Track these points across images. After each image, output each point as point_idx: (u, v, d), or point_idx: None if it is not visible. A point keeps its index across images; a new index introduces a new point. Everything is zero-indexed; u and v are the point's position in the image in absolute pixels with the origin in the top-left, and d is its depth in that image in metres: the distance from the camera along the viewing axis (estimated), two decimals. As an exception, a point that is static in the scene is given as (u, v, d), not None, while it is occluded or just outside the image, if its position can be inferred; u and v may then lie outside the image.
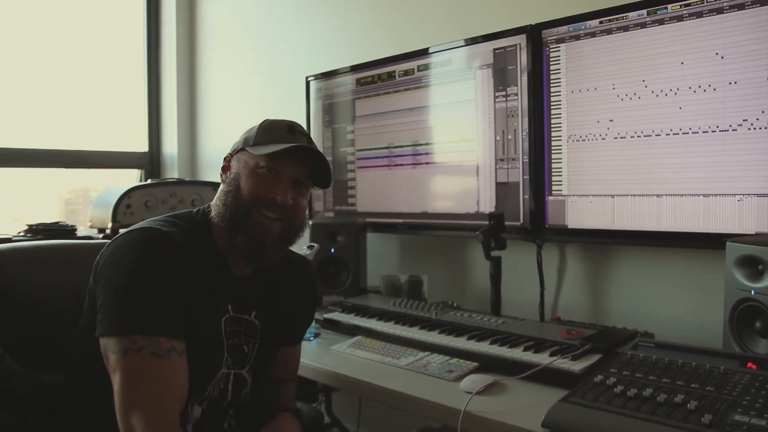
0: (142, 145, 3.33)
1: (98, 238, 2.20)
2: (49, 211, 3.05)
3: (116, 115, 3.27)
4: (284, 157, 1.21)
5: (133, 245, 1.12)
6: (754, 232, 1.43)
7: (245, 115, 3.02)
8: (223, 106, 3.19)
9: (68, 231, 2.16)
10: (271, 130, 1.25)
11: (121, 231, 1.20)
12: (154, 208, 2.34)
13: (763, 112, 1.41)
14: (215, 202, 1.25)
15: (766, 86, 1.40)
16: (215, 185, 2.59)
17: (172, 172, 3.26)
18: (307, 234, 2.16)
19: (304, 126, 2.41)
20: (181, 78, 3.29)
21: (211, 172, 3.16)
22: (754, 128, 1.42)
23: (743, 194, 1.44)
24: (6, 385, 1.21)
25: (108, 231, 2.24)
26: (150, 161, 3.31)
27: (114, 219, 2.23)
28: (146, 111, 3.34)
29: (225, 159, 1.31)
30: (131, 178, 3.31)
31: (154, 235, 1.14)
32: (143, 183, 2.44)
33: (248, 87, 3.05)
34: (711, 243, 1.48)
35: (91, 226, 2.37)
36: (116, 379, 1.04)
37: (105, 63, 3.20)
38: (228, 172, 1.27)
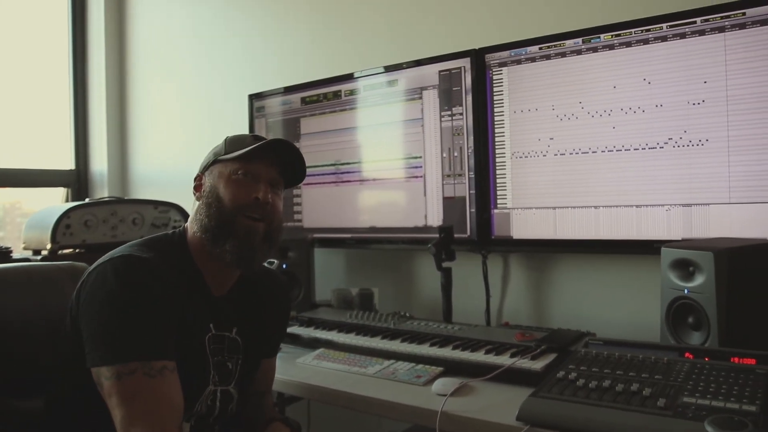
0: (66, 163, 3.20)
1: (36, 260, 2.11)
2: None
3: (39, 130, 3.13)
4: (257, 159, 1.26)
5: (113, 273, 1.12)
6: (680, 238, 1.60)
7: (182, 131, 2.97)
8: (157, 122, 3.13)
9: (4, 253, 2.06)
10: (237, 141, 1.31)
11: (96, 262, 1.18)
12: (95, 227, 2.27)
13: (685, 131, 1.59)
14: (195, 218, 1.28)
15: (687, 109, 1.59)
16: (155, 203, 2.55)
17: (102, 191, 3.15)
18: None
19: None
20: (111, 92, 3.19)
21: (146, 190, 3.09)
22: (678, 146, 1.60)
23: (671, 204, 1.62)
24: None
25: (46, 252, 2.16)
26: (77, 179, 3.19)
27: (53, 240, 2.15)
28: (72, 126, 3.21)
29: (196, 178, 1.33)
30: (42, 196, 3.15)
31: (132, 261, 1.15)
32: (81, 202, 2.36)
33: (184, 103, 3.00)
34: (644, 249, 1.65)
35: (26, 248, 2.27)
36: (113, 403, 1.05)
37: (26, 74, 3.05)
38: (201, 190, 1.30)
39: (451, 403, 1.29)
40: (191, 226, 1.29)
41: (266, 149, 1.27)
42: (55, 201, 3.12)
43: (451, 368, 1.50)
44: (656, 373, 1.23)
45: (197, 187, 1.32)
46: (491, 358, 1.47)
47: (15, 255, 2.17)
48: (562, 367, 1.31)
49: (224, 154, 1.28)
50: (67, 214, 2.21)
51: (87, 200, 2.44)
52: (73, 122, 3.22)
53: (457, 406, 1.28)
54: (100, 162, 3.18)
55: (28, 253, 2.24)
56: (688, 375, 1.21)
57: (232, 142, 1.30)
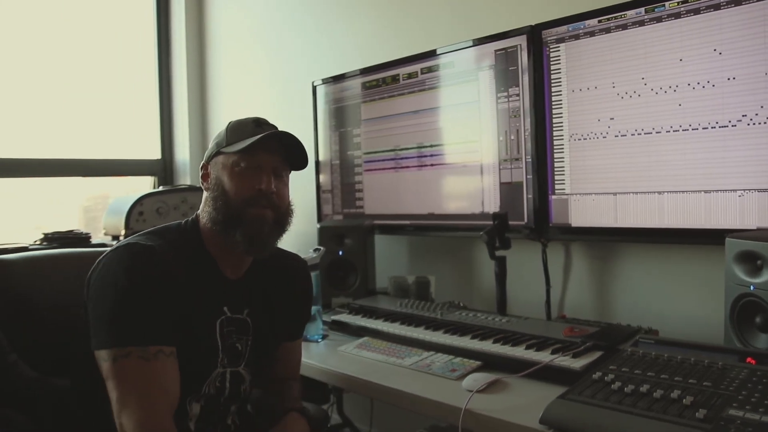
0: (155, 153, 3.39)
1: (112, 245, 2.24)
2: (69, 219, 3.10)
3: (130, 123, 3.33)
4: (258, 149, 1.25)
5: (117, 262, 1.17)
6: (755, 227, 1.43)
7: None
8: (233, 112, 3.23)
9: (83, 239, 2.21)
10: (238, 129, 1.30)
11: (107, 249, 1.24)
12: (166, 214, 2.39)
13: (762, 107, 1.41)
14: (204, 209, 1.30)
15: (765, 81, 1.40)
16: (226, 191, 2.63)
17: (185, 179, 3.31)
18: (315, 237, 2.22)
19: (311, 131, 2.48)
20: (192, 85, 3.34)
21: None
22: (754, 123, 1.42)
23: (744, 189, 1.44)
24: (19, 389, 1.25)
25: (121, 238, 2.29)
26: (163, 168, 3.37)
27: (127, 226, 2.28)
28: (158, 119, 3.40)
29: (202, 167, 1.35)
30: (146, 185, 3.37)
31: (136, 250, 1.18)
32: (154, 190, 2.49)
33: (257, 92, 3.09)
34: (713, 239, 1.48)
35: (106, 234, 2.43)
36: (109, 385, 1.10)
37: (117, 72, 3.26)
38: (208, 179, 1.31)
39: (478, 400, 1.23)
40: (202, 215, 1.31)
41: (266, 137, 1.26)
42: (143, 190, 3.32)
43: (489, 363, 1.43)
44: (706, 380, 1.10)
45: (204, 177, 1.33)
46: (530, 354, 1.39)
47: (95, 240, 2.32)
48: (602, 368, 1.21)
49: (225, 145, 1.28)
50: (140, 201, 2.33)
51: (161, 188, 2.56)
52: (159, 115, 3.39)
53: (483, 404, 1.22)
54: (182, 152, 3.34)
55: (108, 239, 2.39)
56: (743, 384, 1.07)
57: (233, 130, 1.30)
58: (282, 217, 1.29)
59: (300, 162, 1.34)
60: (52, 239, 2.16)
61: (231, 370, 1.29)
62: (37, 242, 2.19)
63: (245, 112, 3.06)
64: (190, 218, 1.34)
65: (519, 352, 1.41)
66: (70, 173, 3.02)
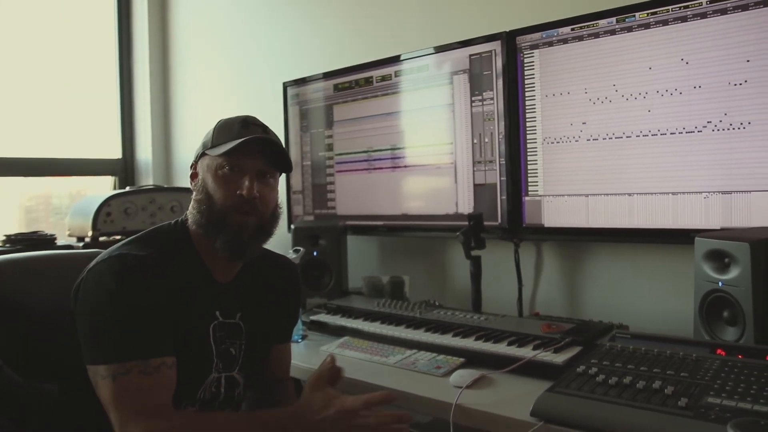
0: (114, 152, 3.31)
1: (79, 247, 2.19)
2: (8, 220, 2.91)
3: (87, 121, 3.23)
4: (242, 152, 1.22)
5: (109, 273, 1.14)
6: (719, 227, 1.52)
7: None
8: (198, 112, 3.19)
9: (48, 240, 2.15)
10: (225, 129, 1.27)
11: (95, 259, 1.20)
12: (134, 215, 2.34)
13: (725, 114, 1.50)
14: (191, 211, 1.28)
15: (728, 90, 1.49)
16: (194, 191, 2.60)
17: (147, 179, 3.24)
18: (289, 238, 2.22)
19: (282, 131, 2.48)
20: (155, 83, 3.27)
21: (188, 178, 3.14)
22: (718, 129, 1.51)
23: (709, 192, 1.53)
24: (5, 395, 1.22)
25: (88, 239, 2.24)
26: (123, 168, 3.29)
27: (94, 227, 2.22)
28: (119, 117, 3.31)
29: (191, 166, 1.33)
30: (97, 184, 3.26)
31: (127, 260, 1.15)
32: (122, 191, 2.44)
33: (224, 92, 3.06)
34: (680, 238, 1.57)
35: (70, 235, 2.36)
36: (107, 402, 1.08)
37: (75, 68, 3.15)
38: (196, 179, 1.29)
39: (466, 396, 1.27)
40: (190, 215, 1.29)
41: (249, 141, 1.23)
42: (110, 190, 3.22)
43: (472, 359, 1.47)
44: (682, 371, 1.17)
45: (192, 176, 1.31)
46: (513, 350, 1.43)
47: (60, 242, 2.26)
48: (584, 362, 1.26)
49: (211, 146, 1.25)
50: (107, 202, 2.28)
51: (127, 188, 2.51)
52: (119, 113, 3.31)
53: (472, 399, 1.25)
54: (144, 151, 3.27)
55: (73, 240, 2.33)
56: (717, 373, 1.14)
57: (220, 131, 1.27)
58: (266, 222, 1.27)
59: (284, 165, 1.33)
60: (16, 241, 2.09)
61: (225, 374, 1.28)
62: (-1, 244, 2.12)
63: (211, 111, 3.08)
64: (180, 219, 1.32)
65: (501, 348, 1.46)
66: (24, 173, 2.89)
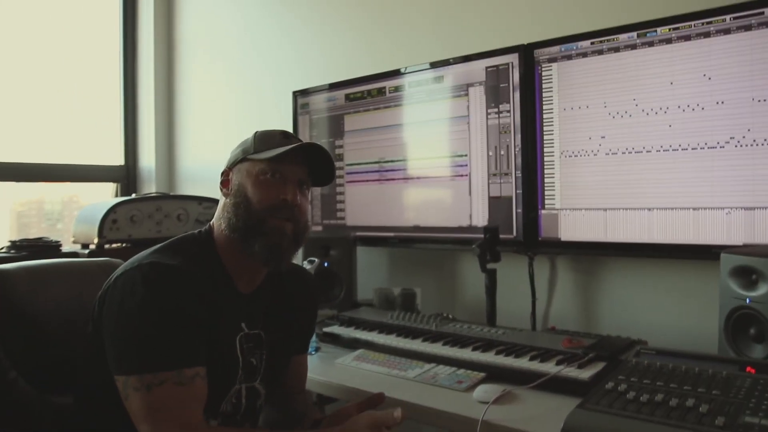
0: (117, 159, 3.27)
1: (84, 254, 2.15)
2: None
3: (89, 127, 3.19)
4: (286, 160, 1.23)
5: (142, 281, 1.11)
6: (741, 243, 1.51)
7: (227, 128, 3.00)
8: (203, 120, 3.17)
9: (53, 247, 2.11)
10: (266, 139, 1.28)
11: (123, 265, 1.19)
12: (140, 223, 2.31)
13: (749, 130, 1.49)
14: (223, 215, 1.26)
15: (751, 106, 1.49)
16: (200, 199, 2.58)
17: (150, 186, 3.21)
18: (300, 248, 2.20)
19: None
20: (159, 90, 3.25)
21: (191, 186, 3.12)
22: (741, 145, 1.51)
23: (731, 207, 1.53)
24: (20, 408, 1.18)
25: (93, 246, 2.20)
26: (126, 175, 3.25)
27: (100, 234, 2.19)
28: (122, 124, 3.29)
29: (223, 173, 1.32)
30: (91, 190, 3.22)
31: (160, 269, 1.13)
32: (128, 198, 2.40)
33: (230, 100, 3.04)
34: (700, 254, 1.56)
35: (75, 242, 2.32)
36: (139, 413, 1.05)
37: (77, 75, 3.12)
38: (229, 186, 1.28)
39: (492, 412, 1.24)
40: (218, 223, 1.27)
41: (296, 149, 1.25)
42: (108, 196, 3.19)
43: (493, 374, 1.45)
44: (714, 388, 1.15)
45: (224, 183, 1.30)
46: (536, 365, 1.41)
47: (65, 249, 2.22)
48: (611, 378, 1.24)
49: (253, 152, 1.25)
50: (113, 209, 2.25)
51: (134, 196, 2.48)
52: (122, 119, 3.28)
53: (499, 415, 1.23)
54: (148, 158, 3.24)
55: (77, 247, 2.29)
56: (750, 392, 1.12)
57: (261, 139, 1.28)
58: (300, 232, 1.27)
59: (324, 177, 1.33)
60: (21, 247, 2.05)
61: (246, 385, 1.26)
62: (4, 250, 2.08)
63: (219, 120, 3.06)
64: (203, 229, 1.31)
65: (524, 363, 1.44)
66: (22, 178, 2.86)
